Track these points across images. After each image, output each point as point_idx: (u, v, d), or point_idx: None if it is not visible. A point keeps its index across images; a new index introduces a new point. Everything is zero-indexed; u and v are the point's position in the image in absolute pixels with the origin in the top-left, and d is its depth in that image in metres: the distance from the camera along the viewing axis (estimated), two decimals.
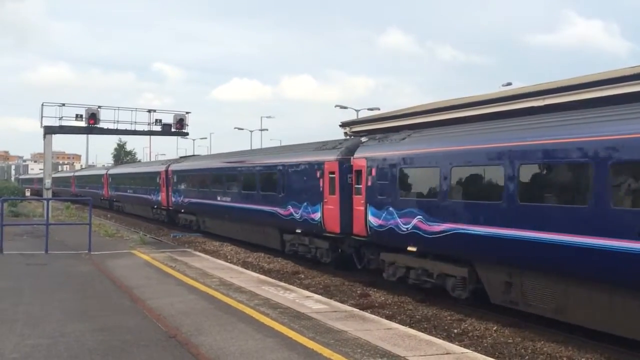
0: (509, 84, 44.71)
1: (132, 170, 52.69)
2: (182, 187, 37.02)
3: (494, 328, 13.13)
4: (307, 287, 17.08)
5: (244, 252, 25.68)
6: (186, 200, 35.97)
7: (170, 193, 38.83)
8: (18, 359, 8.25)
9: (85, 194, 61.92)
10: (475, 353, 9.42)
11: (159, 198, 40.93)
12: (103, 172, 62.53)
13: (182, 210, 37.12)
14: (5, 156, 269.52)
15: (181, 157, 45.06)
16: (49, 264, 17.62)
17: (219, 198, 30.36)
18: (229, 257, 24.38)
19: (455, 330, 13.13)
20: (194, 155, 42.63)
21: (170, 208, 39.18)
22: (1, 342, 9.04)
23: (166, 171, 39.79)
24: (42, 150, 44.68)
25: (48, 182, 38.76)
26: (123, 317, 10.97)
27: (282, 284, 15.64)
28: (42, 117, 37.54)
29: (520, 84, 44.98)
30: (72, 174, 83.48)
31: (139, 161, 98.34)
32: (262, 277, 16.74)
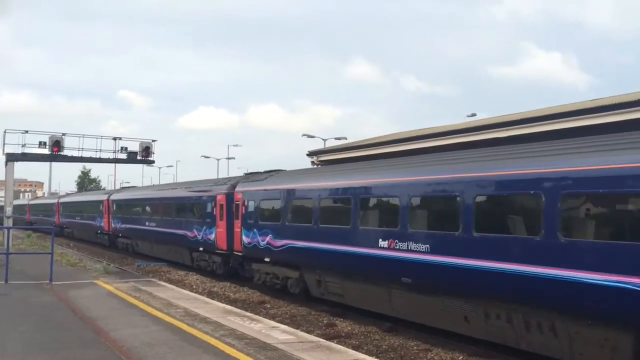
0: (474, 114, 45.53)
1: (80, 199, 58.16)
2: (120, 214, 41.67)
3: (460, 358, 13.17)
4: (273, 317, 16.96)
5: (209, 282, 25.45)
6: (123, 225, 40.52)
7: (110, 219, 43.23)
8: None
9: (39, 221, 67.70)
10: None
11: (102, 224, 45.16)
12: (55, 200, 66.92)
13: (120, 235, 41.54)
14: None
15: (122, 188, 51.18)
16: (9, 294, 17.21)
17: (146, 224, 35.47)
18: (194, 286, 24.13)
19: None
20: (131, 187, 48.28)
21: (111, 233, 43.48)
22: None
23: (108, 200, 44.36)
24: (3, 178, 44.03)
25: (9, 210, 38.09)
26: (85, 349, 10.75)
27: (248, 314, 15.51)
28: (4, 144, 37.08)
29: (484, 115, 45.76)
30: (27, 202, 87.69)
31: (104, 189, 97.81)
32: (228, 307, 16.58)
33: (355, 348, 13.08)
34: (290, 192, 20.14)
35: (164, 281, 23.37)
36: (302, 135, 53.07)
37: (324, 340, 12.28)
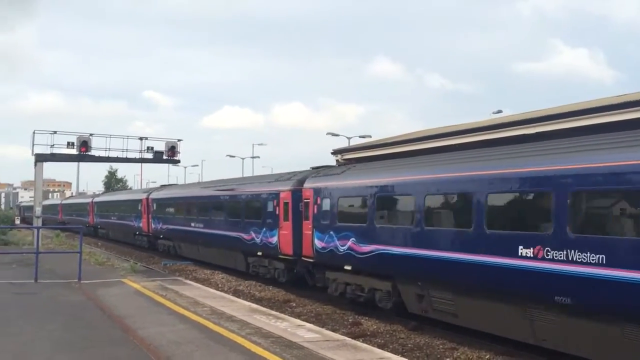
0: (500, 111, 45.16)
1: (116, 198, 54.60)
2: (161, 214, 38.80)
3: (487, 357, 13.07)
4: (298, 316, 16.98)
5: (235, 280, 25.56)
6: (164, 226, 37.65)
7: (150, 220, 40.36)
8: None
9: (72, 221, 64.28)
10: None
11: (140, 224, 42.30)
12: (89, 200, 64.28)
13: (161, 236, 38.72)
14: None
15: (162, 186, 46.52)
16: (39, 293, 17.46)
17: (192, 224, 32.54)
18: (220, 285, 24.25)
19: (448, 359, 13.05)
20: (172, 185, 44.78)
21: (150, 234, 40.69)
22: None
23: (147, 199, 41.37)
24: (32, 178, 44.57)
25: (38, 209, 38.56)
26: (114, 347, 10.86)
27: (273, 312, 15.55)
28: (33, 144, 37.46)
29: (509, 112, 45.40)
30: (59, 202, 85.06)
31: (130, 188, 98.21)
32: (254, 305, 16.65)
33: (381, 347, 13.04)
34: (381, 188, 17.01)
35: (190, 280, 23.53)
36: (327, 134, 52.77)
37: (350, 339, 12.27)
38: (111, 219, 51.89)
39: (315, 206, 20.01)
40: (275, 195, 23.18)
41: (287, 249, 22.17)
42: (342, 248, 18.20)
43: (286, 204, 22.33)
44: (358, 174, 18.88)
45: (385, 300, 17.07)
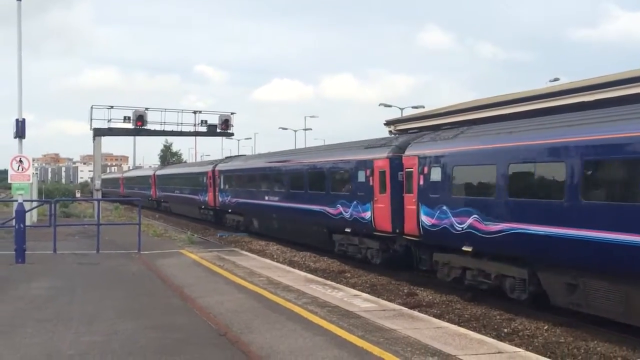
0: (557, 79, 43.96)
1: (179, 171, 52.64)
2: (229, 187, 36.87)
3: (545, 327, 12.90)
4: (353, 286, 17.05)
5: (289, 252, 25.79)
6: (233, 200, 35.69)
7: (217, 193, 38.63)
8: (74, 355, 8.44)
9: (134, 194, 62.06)
10: (528, 352, 9.26)
11: (206, 198, 40.72)
12: (151, 172, 62.68)
13: (230, 211, 36.85)
14: (56, 158, 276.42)
15: (227, 157, 44.63)
16: (101, 263, 17.98)
17: (266, 198, 30.11)
18: (275, 256, 24.51)
19: (505, 330, 12.95)
20: (239, 155, 42.04)
21: (217, 208, 39.00)
22: (58, 340, 9.28)
23: (213, 171, 39.66)
24: (91, 152, 45.67)
25: (98, 182, 39.59)
26: (174, 315, 11.13)
27: (329, 282, 15.66)
28: (91, 119, 38.42)
29: (565, 80, 44.20)
30: (120, 175, 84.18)
31: (185, 162, 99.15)
32: (309, 275, 16.78)
33: (437, 317, 13.00)
34: (516, 153, 14.03)
35: (246, 251, 23.83)
36: (379, 105, 52.18)
37: (406, 309, 12.27)
38: (174, 193, 50.34)
39: (422, 176, 17.47)
40: (369, 164, 20.52)
41: (385, 224, 19.58)
42: (460, 226, 15.54)
43: (382, 173, 19.73)
44: (479, 136, 16.06)
45: (519, 289, 14.37)
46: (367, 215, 20.44)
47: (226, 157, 44.58)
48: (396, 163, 19.13)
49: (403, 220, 18.57)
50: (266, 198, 30.10)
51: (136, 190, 65.08)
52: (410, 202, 18.10)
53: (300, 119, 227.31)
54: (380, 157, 19.95)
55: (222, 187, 37.80)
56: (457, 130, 17.42)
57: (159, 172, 59.41)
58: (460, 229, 15.59)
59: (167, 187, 53.29)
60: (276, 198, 29.00)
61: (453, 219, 15.84)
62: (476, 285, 15.92)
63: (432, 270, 17.88)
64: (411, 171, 18.16)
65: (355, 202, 21.19)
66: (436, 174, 16.84)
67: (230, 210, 36.78)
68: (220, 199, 38.03)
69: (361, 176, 20.99)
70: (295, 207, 26.57)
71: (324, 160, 24.72)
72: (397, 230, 18.95)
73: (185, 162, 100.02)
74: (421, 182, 17.50)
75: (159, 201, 57.05)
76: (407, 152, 18.70)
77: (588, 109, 15.72)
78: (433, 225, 16.76)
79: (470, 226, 15.20)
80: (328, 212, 23.22)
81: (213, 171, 39.60)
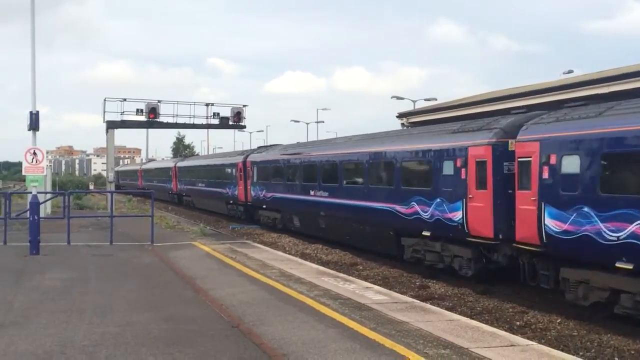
0: (571, 71, 43.62)
1: (204, 163, 47.80)
2: (264, 180, 32.90)
3: (558, 320, 12.86)
4: (365, 279, 17.05)
5: (301, 244, 25.82)
6: (269, 194, 31.68)
7: (249, 187, 34.74)
8: (88, 345, 8.50)
9: (153, 187, 55.16)
10: (541, 345, 9.25)
11: (236, 192, 36.88)
12: (171, 164, 58.17)
13: (264, 206, 32.89)
14: (69, 151, 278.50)
15: (260, 147, 40.21)
16: (114, 255, 18.09)
17: (311, 192, 26.51)
18: (287, 248, 24.55)
19: (518, 323, 12.91)
20: (274, 145, 37.53)
21: (249, 203, 35.15)
22: (72, 330, 9.34)
23: (244, 162, 35.78)
24: (104, 145, 45.92)
25: (111, 175, 39.88)
26: (186, 307, 11.18)
27: (341, 275, 15.67)
28: (104, 112, 38.75)
29: (580, 72, 43.89)
30: (139, 167, 78.82)
31: (198, 154, 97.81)
32: (321, 268, 16.81)
33: (449, 309, 12.98)
34: None
35: (258, 243, 23.89)
36: (392, 97, 51.88)
37: (418, 302, 12.28)
38: (198, 186, 46.03)
39: (546, 167, 13.69)
40: (460, 152, 16.74)
41: (483, 229, 15.78)
42: (614, 234, 11.80)
43: (481, 164, 15.94)
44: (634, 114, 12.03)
45: None
46: (457, 216, 16.65)
47: (259, 147, 40.40)
48: (501, 151, 15.48)
49: (512, 224, 14.85)
50: (311, 193, 26.53)
51: (155, 183, 61.24)
52: (525, 201, 14.28)
53: (312, 112, 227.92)
54: (479, 144, 16.11)
55: (255, 180, 34.05)
56: (601, 107, 13.44)
57: (180, 164, 54.83)
58: (614, 238, 11.86)
59: (189, 180, 49.12)
60: (325, 193, 25.34)
61: (601, 225, 12.15)
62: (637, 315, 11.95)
63: (557, 290, 14.09)
64: (528, 161, 14.26)
65: (438, 200, 17.47)
66: (572, 165, 13.06)
67: (264, 206, 32.81)
68: (252, 193, 34.14)
69: (448, 168, 17.27)
70: (350, 204, 22.89)
71: (393, 149, 20.53)
72: (501, 237, 15.38)
73: (198, 154, 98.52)
74: (545, 175, 13.75)
75: (180, 195, 53.38)
76: (520, 136, 14.69)
77: (604, 100, 15.54)
78: (565, 232, 13.02)
79: (634, 235, 11.45)
80: (398, 211, 19.47)
81: (244, 162, 35.78)
